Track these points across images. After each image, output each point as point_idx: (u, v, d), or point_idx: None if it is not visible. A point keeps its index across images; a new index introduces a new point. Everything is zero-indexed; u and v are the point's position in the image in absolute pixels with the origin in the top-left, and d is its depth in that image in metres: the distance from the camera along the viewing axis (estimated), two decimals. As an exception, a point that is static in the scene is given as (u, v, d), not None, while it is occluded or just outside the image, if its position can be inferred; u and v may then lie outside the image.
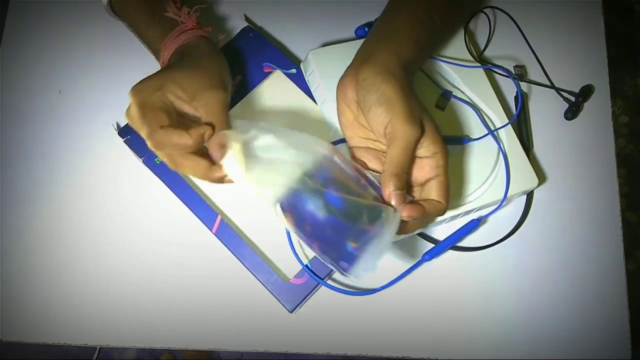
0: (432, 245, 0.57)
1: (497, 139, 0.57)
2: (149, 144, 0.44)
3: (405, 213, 0.42)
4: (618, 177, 0.61)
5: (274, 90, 0.60)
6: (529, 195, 0.60)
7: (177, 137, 0.43)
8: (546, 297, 0.58)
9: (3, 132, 0.61)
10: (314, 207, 0.42)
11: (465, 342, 0.56)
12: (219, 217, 0.55)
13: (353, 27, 0.62)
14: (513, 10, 0.63)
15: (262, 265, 0.54)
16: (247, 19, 0.63)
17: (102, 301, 0.56)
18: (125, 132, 0.57)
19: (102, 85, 0.63)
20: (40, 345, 0.55)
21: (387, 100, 0.43)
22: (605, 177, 0.61)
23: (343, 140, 0.51)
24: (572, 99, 0.62)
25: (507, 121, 0.58)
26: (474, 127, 0.58)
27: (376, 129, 0.45)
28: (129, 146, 0.57)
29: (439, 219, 0.53)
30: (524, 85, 0.63)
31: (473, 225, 0.57)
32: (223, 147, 0.44)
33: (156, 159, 0.56)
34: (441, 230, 0.58)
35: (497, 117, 0.58)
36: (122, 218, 0.58)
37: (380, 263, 0.41)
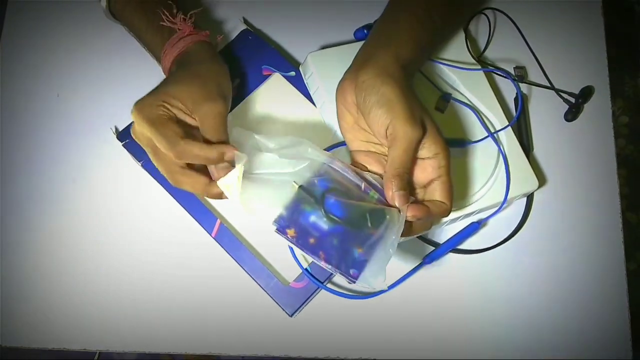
0: (433, 248, 0.57)
1: (497, 141, 0.57)
2: (171, 154, 0.43)
3: (409, 213, 0.41)
4: (618, 177, 0.61)
5: (273, 93, 0.59)
6: (529, 198, 0.59)
7: (198, 149, 0.43)
8: (547, 298, 0.57)
9: (2, 135, 0.61)
10: (316, 219, 0.42)
11: (466, 345, 0.56)
12: (218, 221, 0.55)
13: (352, 29, 0.62)
14: (513, 12, 0.63)
15: (261, 269, 0.53)
16: (245, 21, 0.63)
17: (101, 305, 0.56)
18: (124, 136, 0.57)
19: (101, 89, 0.62)
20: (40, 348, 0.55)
21: (387, 101, 0.43)
22: (606, 178, 0.61)
23: (343, 144, 0.51)
24: (572, 100, 0.62)
25: (507, 123, 0.57)
26: (474, 129, 0.57)
27: (377, 130, 0.45)
28: (128, 150, 0.57)
29: (443, 220, 0.53)
30: (523, 87, 0.63)
31: (473, 228, 0.57)
32: (228, 169, 0.44)
33: (155, 163, 0.56)
34: (441, 233, 0.58)
35: (497, 119, 0.58)
36: (122, 219, 0.58)
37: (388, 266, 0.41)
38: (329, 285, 0.55)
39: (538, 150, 0.62)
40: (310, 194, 0.43)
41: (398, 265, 0.56)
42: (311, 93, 0.58)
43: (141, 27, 0.54)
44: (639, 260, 1.39)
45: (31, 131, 0.61)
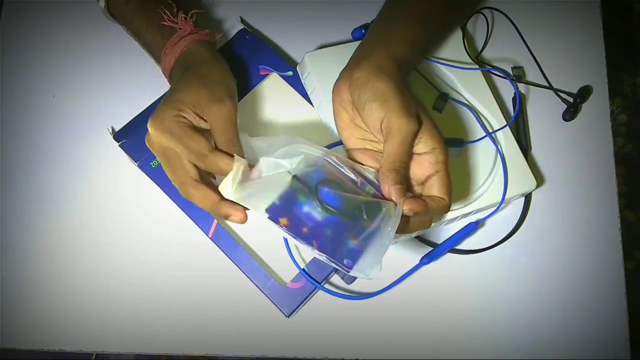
0: (431, 248, 0.57)
1: (495, 141, 0.57)
2: (201, 165, 0.43)
3: (406, 207, 0.41)
4: (616, 176, 0.61)
5: (270, 93, 0.59)
6: (527, 197, 0.59)
7: (225, 164, 0.42)
8: (545, 298, 0.57)
9: (0, 135, 0.61)
10: (310, 209, 0.42)
11: (464, 345, 0.56)
12: (215, 222, 0.54)
13: (350, 29, 0.61)
14: (510, 11, 0.62)
15: (258, 270, 0.53)
16: (243, 21, 0.63)
17: (97, 305, 0.56)
18: (121, 137, 0.57)
19: (97, 90, 0.62)
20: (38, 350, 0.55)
21: (381, 95, 0.43)
22: (604, 177, 0.61)
23: (340, 143, 0.51)
24: (571, 99, 0.62)
25: (505, 123, 0.57)
26: (472, 129, 0.57)
27: (372, 125, 0.44)
28: (124, 150, 0.57)
29: (442, 219, 0.53)
30: (521, 87, 0.63)
31: (471, 228, 0.57)
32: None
33: (151, 163, 0.56)
34: (439, 233, 0.58)
35: (495, 119, 0.58)
36: (121, 219, 0.58)
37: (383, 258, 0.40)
38: (326, 286, 0.55)
39: (536, 150, 0.61)
40: (304, 184, 0.42)
41: (396, 265, 0.56)
42: (308, 93, 0.57)
43: (141, 27, 0.53)
44: (637, 259, 1.39)
45: (29, 131, 0.61)
